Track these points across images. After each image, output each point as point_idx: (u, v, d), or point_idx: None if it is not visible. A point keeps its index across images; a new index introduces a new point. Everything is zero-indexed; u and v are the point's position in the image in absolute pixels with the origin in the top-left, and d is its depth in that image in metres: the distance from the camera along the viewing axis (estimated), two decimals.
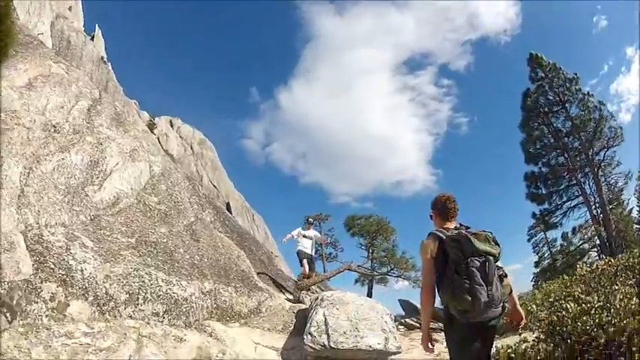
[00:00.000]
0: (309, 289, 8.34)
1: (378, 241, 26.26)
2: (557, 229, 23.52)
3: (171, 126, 32.18)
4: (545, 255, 24.30)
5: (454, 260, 2.41)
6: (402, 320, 9.36)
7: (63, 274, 3.96)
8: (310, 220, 9.98)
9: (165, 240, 5.52)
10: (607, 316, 3.48)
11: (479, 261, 2.37)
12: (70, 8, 22.78)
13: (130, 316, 4.21)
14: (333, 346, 4.85)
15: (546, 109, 23.13)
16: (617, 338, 3.29)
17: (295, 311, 6.36)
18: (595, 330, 3.42)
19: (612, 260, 6.01)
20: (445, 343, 2.65)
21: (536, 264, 24.40)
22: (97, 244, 4.58)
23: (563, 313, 3.85)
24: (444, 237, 2.52)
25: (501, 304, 2.45)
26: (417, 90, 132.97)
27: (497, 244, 2.52)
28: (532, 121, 23.43)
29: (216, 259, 6.09)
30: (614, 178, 22.88)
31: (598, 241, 21.61)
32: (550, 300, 5.26)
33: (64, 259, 4.09)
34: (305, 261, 8.58)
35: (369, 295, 21.82)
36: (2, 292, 3.37)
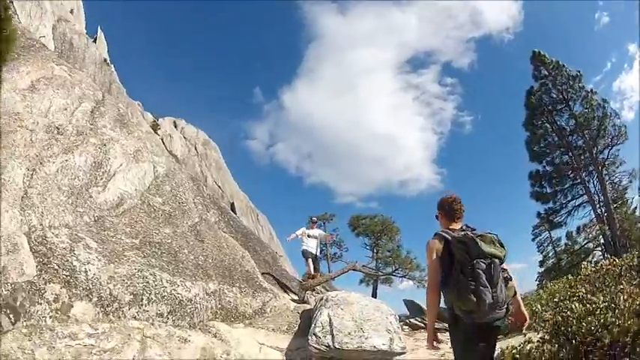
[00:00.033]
0: (314, 290, 8.34)
1: (383, 241, 26.24)
2: (562, 228, 23.52)
3: (175, 127, 32.34)
4: (550, 254, 24.23)
5: (460, 261, 2.42)
6: (407, 320, 9.38)
7: (67, 275, 3.97)
8: (314, 219, 10.02)
9: (169, 241, 5.52)
10: (612, 316, 3.46)
11: (484, 263, 2.39)
12: (71, 11, 22.93)
13: (134, 317, 4.21)
14: (337, 346, 4.83)
15: (550, 107, 23.03)
16: (622, 339, 3.27)
17: (300, 312, 6.33)
18: (600, 330, 3.40)
19: (617, 260, 5.99)
20: (450, 344, 2.66)
21: (541, 263, 24.34)
22: (101, 245, 4.58)
23: (568, 313, 3.83)
24: (450, 238, 2.54)
25: (505, 306, 2.47)
26: (420, 88, 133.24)
27: (502, 246, 2.53)
28: (536, 119, 23.35)
29: (220, 260, 6.09)
30: (618, 177, 22.77)
31: (602, 240, 21.56)
32: (555, 300, 5.24)
33: (67, 260, 4.10)
34: (309, 260, 8.58)
35: (374, 295, 21.88)
36: (6, 293, 3.39)
